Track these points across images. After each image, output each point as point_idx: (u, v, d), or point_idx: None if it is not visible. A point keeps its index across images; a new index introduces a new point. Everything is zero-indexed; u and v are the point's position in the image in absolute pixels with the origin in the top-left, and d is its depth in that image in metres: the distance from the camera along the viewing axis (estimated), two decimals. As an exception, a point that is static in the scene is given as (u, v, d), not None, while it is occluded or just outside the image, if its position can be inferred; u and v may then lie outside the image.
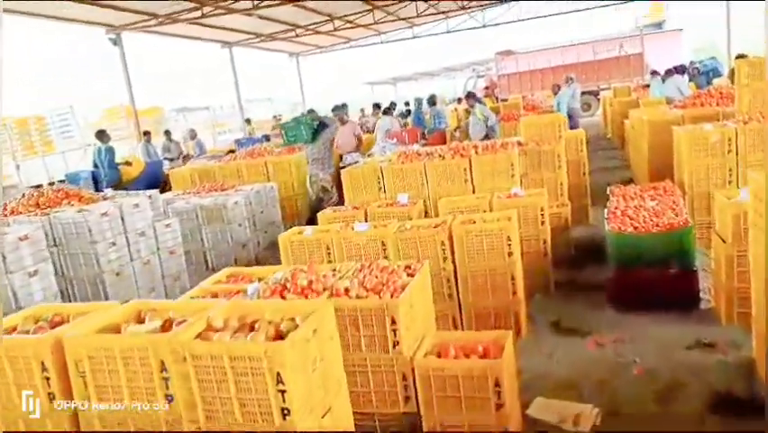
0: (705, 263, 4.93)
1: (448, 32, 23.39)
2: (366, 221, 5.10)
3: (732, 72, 10.42)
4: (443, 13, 20.56)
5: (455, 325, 4.22)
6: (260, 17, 15.76)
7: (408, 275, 3.17)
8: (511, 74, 24.00)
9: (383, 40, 24.45)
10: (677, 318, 4.15)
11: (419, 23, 22.59)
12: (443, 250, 4.09)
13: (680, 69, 11.34)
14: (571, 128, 13.94)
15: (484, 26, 22.41)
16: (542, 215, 4.80)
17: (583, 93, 22.88)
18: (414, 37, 24.01)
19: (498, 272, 4.08)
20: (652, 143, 7.51)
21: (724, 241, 3.88)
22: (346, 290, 2.94)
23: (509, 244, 4.02)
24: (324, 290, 2.99)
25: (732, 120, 5.93)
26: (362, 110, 19.00)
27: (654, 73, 13.34)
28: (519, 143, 6.08)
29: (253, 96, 24.70)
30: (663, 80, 11.75)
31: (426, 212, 5.75)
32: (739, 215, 3.73)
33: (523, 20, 21.77)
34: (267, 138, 13.54)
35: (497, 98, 20.05)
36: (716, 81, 12.52)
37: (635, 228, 4.34)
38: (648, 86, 14.86)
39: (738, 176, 5.35)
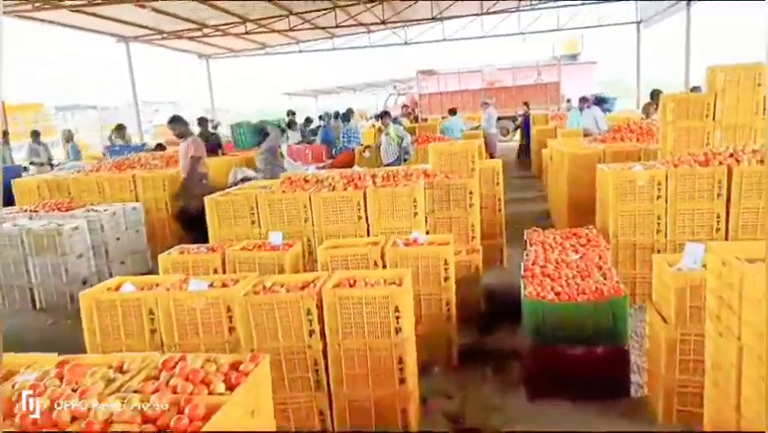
0: (633, 329, 4.18)
1: (370, 46, 22.64)
2: (223, 269, 3.93)
3: (646, 107, 10.18)
4: (364, 25, 19.75)
5: (323, 423, 3.13)
6: (157, 11, 14.16)
7: (229, 387, 2.05)
8: (432, 94, 23.54)
9: (302, 49, 23.30)
10: (605, 412, 3.29)
11: (339, 33, 21.67)
12: (310, 321, 3.01)
13: (598, 101, 10.96)
14: (489, 154, 13.59)
15: (406, 43, 21.84)
16: (446, 269, 3.83)
17: (501, 118, 22.90)
18: (333, 48, 23.05)
19: (382, 354, 3.04)
20: (571, 177, 6.86)
21: (665, 320, 3.06)
22: (106, 424, 1.78)
23: (398, 317, 3.00)
24: (74, 420, 1.81)
25: (659, 160, 5.30)
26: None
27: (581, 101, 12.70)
28: (426, 174, 5.15)
29: (157, 97, 22.72)
30: (581, 110, 11.39)
31: (311, 253, 4.68)
32: (685, 289, 2.92)
33: (446, 40, 21.41)
34: (161, 147, 11.90)
35: (416, 118, 19.40)
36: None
37: (557, 295, 3.46)
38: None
39: (667, 226, 4.67)
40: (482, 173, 6.05)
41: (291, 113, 14.45)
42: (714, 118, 5.70)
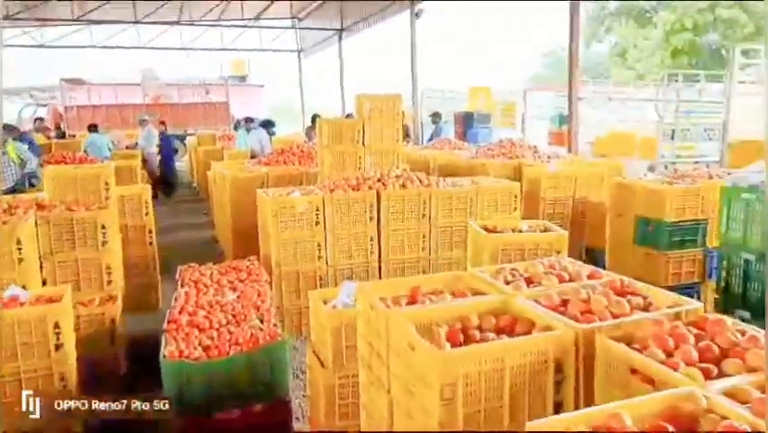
0: (299, 367, 3.90)
1: (-6, 44, 18.45)
2: None
3: (308, 130, 10.60)
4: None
5: None
6: None
7: None
8: (82, 106, 20.60)
9: None
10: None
11: (-52, 24, 17.08)
12: None
13: (265, 124, 10.95)
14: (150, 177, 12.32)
15: (42, 46, 18.53)
16: (57, 334, 2.87)
17: (169, 136, 21.40)
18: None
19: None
20: (234, 202, 6.45)
21: (322, 364, 2.77)
22: None
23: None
24: None
25: (318, 185, 5.26)
26: None
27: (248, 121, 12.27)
28: (40, 205, 3.97)
29: None
30: (248, 131, 11.22)
31: None
32: (341, 328, 2.68)
33: (95, 47, 18.91)
34: None
35: (64, 134, 16.47)
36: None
37: (206, 350, 2.88)
38: None
39: (327, 251, 4.59)
40: (125, 201, 5.11)
41: None
42: (364, 144, 6.01)
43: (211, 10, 17.53)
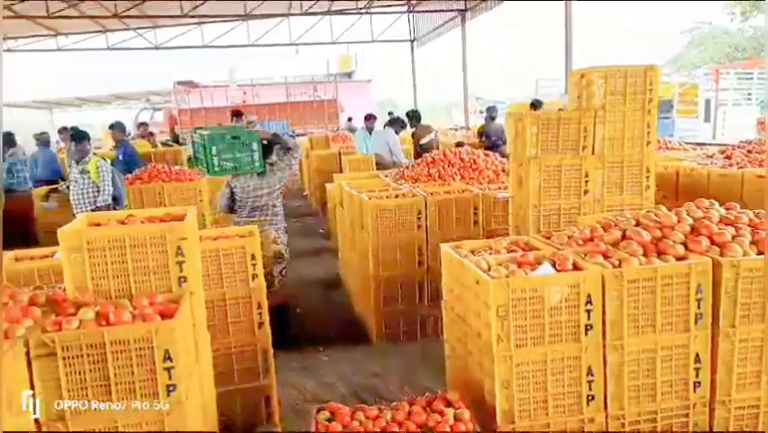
0: None
1: (108, 48, 17.98)
2: None
3: (419, 131, 8.22)
4: (95, 19, 15.20)
5: None
6: None
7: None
8: (195, 109, 19.82)
9: (11, 47, 17.57)
10: None
11: (64, 30, 16.72)
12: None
13: (393, 122, 8.47)
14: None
15: (157, 48, 17.76)
16: None
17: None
18: (59, 49, 17.84)
19: None
20: (381, 242, 4.26)
21: None
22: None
23: None
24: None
25: (566, 243, 2.91)
26: None
27: (368, 119, 9.68)
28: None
29: None
30: (370, 131, 9.03)
31: None
32: None
33: (207, 46, 17.86)
34: None
35: (177, 138, 15.25)
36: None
37: None
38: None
39: (608, 390, 2.23)
40: (222, 257, 3.06)
41: None
42: (593, 151, 3.61)
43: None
